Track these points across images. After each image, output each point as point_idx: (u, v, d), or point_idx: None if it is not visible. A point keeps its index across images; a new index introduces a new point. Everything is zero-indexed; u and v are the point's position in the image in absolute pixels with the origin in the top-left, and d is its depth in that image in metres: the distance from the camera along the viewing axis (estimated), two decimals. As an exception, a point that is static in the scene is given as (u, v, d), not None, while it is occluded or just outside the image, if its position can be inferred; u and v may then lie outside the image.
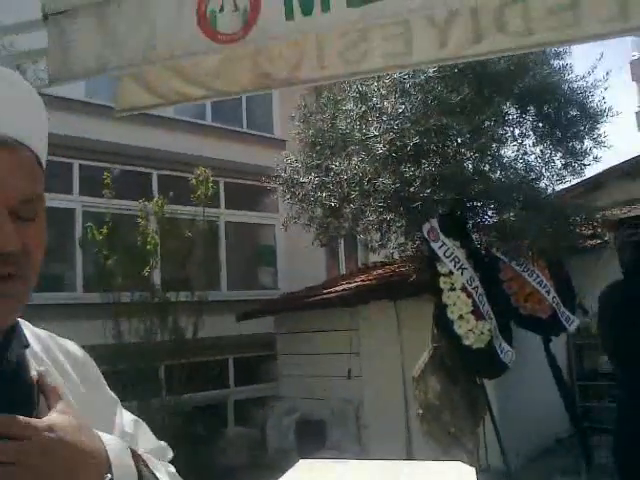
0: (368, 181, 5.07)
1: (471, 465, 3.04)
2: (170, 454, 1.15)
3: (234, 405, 9.81)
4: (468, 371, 5.32)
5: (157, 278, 7.75)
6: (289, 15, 2.09)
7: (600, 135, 5.68)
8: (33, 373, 0.86)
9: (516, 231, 4.94)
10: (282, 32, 2.14)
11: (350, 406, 8.15)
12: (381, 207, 4.97)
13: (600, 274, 7.04)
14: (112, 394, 1.10)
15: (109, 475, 0.81)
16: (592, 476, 6.03)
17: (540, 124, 5.69)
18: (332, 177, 5.31)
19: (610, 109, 5.65)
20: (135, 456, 0.90)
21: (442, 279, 5.17)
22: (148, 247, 6.91)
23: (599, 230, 6.12)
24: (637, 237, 3.89)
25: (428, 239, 5.14)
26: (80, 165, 8.32)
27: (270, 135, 11.08)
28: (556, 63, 5.52)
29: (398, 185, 4.79)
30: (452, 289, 5.16)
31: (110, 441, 0.86)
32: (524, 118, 5.68)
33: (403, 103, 4.62)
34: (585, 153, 5.71)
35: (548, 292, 5.94)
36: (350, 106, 5.20)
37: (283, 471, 2.61)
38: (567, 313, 6.07)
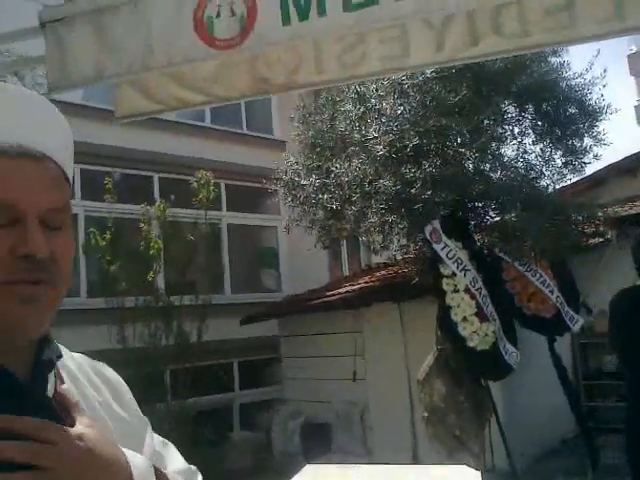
0: (369, 183, 5.07)
1: (477, 468, 3.04)
2: (199, 478, 1.15)
3: (239, 409, 9.81)
4: (473, 373, 5.31)
5: (161, 282, 7.76)
6: (286, 20, 2.10)
7: (600, 132, 5.67)
8: (62, 387, 0.90)
9: (518, 231, 4.94)
10: (279, 37, 2.15)
11: (355, 409, 8.14)
12: (382, 209, 4.96)
13: (603, 272, 7.05)
14: (142, 415, 1.12)
15: None
16: (598, 476, 6.01)
17: (539, 122, 5.68)
18: (333, 179, 5.31)
19: (609, 106, 5.65)
20: (159, 475, 0.92)
21: (445, 281, 5.17)
22: (151, 252, 6.91)
23: (601, 228, 6.11)
24: None
25: (430, 241, 5.13)
26: (81, 169, 8.34)
27: (270, 136, 11.06)
28: (554, 61, 5.52)
29: (399, 187, 4.79)
30: (455, 291, 5.16)
31: (134, 458, 0.87)
32: (523, 116, 5.68)
33: (402, 104, 4.63)
34: (585, 151, 5.70)
35: (552, 292, 5.93)
36: (349, 107, 5.21)
37: (289, 475, 2.61)
38: (571, 312, 6.05)
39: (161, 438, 1.14)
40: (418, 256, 5.77)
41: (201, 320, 7.23)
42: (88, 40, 2.09)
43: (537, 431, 6.94)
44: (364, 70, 2.56)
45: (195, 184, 7.52)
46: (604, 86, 5.60)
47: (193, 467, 1.15)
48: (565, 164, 5.76)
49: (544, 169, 5.72)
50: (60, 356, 0.94)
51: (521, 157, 5.67)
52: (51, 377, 0.90)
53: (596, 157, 5.79)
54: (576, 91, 5.61)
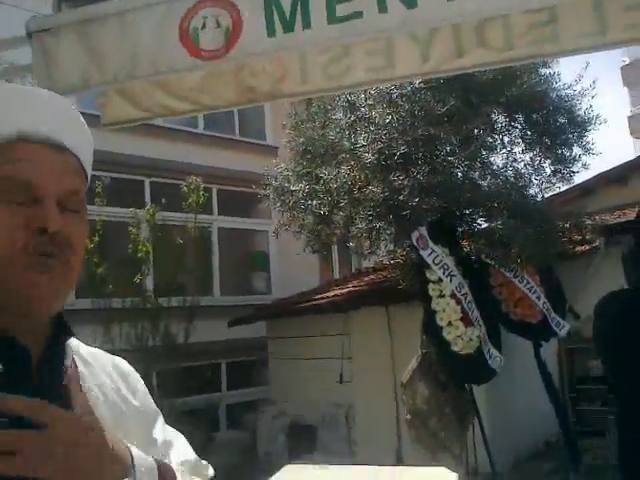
0: (358, 189, 5.10)
1: (458, 469, 3.08)
2: (211, 472, 1.14)
3: (226, 409, 9.83)
4: (456, 377, 5.35)
5: (150, 284, 7.76)
6: (271, 32, 2.12)
7: (589, 142, 5.74)
8: (69, 365, 0.95)
9: (504, 238, 4.98)
10: (264, 49, 2.16)
11: (341, 410, 8.17)
12: (370, 215, 5.00)
13: (591, 279, 7.10)
14: (155, 406, 1.15)
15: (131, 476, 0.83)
16: (579, 478, 6.06)
17: (529, 132, 5.74)
18: (322, 185, 5.34)
19: (598, 117, 5.71)
20: (163, 470, 0.91)
21: (431, 286, 5.21)
22: (139, 254, 6.92)
23: (588, 236, 6.16)
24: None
25: (417, 247, 5.17)
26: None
27: (263, 142, 11.12)
28: (544, 72, 5.58)
29: (387, 193, 4.83)
30: (441, 296, 5.20)
31: (137, 453, 0.88)
32: (513, 126, 5.73)
33: (390, 113, 4.66)
34: (574, 160, 5.77)
35: (538, 298, 5.97)
36: (340, 115, 5.25)
37: (272, 475, 2.66)
38: (557, 318, 6.10)
39: (173, 429, 1.15)
40: (405, 262, 5.80)
41: (188, 321, 7.25)
42: (75, 49, 2.10)
43: (521, 433, 6.99)
44: (349, 81, 2.58)
45: (185, 189, 7.53)
46: (593, 97, 5.67)
47: (204, 462, 1.15)
48: (554, 173, 5.83)
49: (533, 177, 5.79)
50: (72, 335, 0.99)
51: (510, 165, 5.73)
52: (64, 358, 0.94)
53: (585, 166, 5.86)
54: (566, 102, 5.68)
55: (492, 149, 5.59)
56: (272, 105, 9.91)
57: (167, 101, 2.50)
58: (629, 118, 23.60)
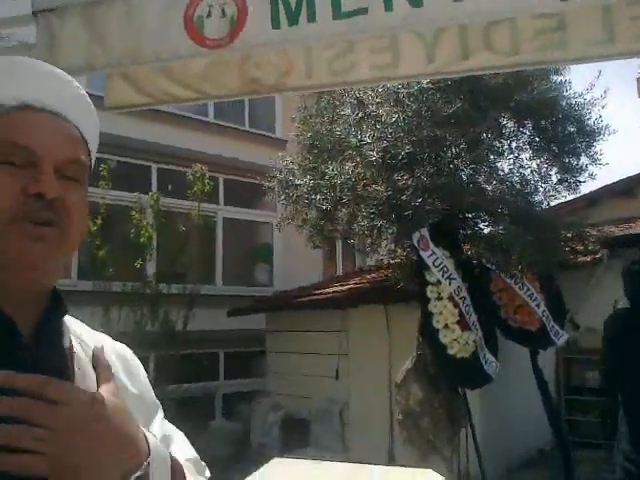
0: (362, 187, 5.10)
1: (448, 473, 3.08)
2: (207, 473, 1.12)
3: (222, 398, 9.89)
4: (451, 380, 5.35)
5: (151, 270, 7.79)
6: (275, 24, 2.13)
7: (597, 152, 5.71)
8: (67, 345, 0.92)
9: (504, 244, 4.96)
10: (268, 40, 2.17)
11: (335, 406, 8.19)
12: (373, 213, 4.99)
13: (593, 291, 7.09)
14: (155, 399, 1.12)
15: (145, 463, 0.82)
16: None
17: (537, 138, 5.70)
18: (327, 180, 5.34)
19: (607, 127, 5.68)
20: (174, 465, 0.91)
21: (429, 288, 5.20)
22: (142, 240, 6.95)
23: (590, 247, 6.14)
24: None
25: (418, 248, 5.16)
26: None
27: (272, 135, 11.14)
28: (555, 78, 5.54)
29: (390, 192, 4.82)
30: (439, 298, 5.19)
31: (154, 442, 0.87)
32: (521, 132, 5.70)
33: (397, 112, 4.65)
34: (581, 169, 5.73)
35: (538, 305, 5.95)
36: (348, 111, 5.24)
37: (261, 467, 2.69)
38: (556, 327, 6.08)
39: (173, 426, 1.13)
40: (405, 262, 5.80)
41: (188, 309, 7.27)
42: (80, 30, 2.12)
43: (514, 441, 6.99)
44: (354, 77, 2.59)
45: (191, 177, 7.55)
46: (603, 107, 5.63)
47: (203, 463, 1.13)
48: (560, 181, 5.79)
49: (539, 185, 5.75)
50: (67, 311, 0.97)
51: (517, 171, 5.69)
52: (63, 335, 0.92)
53: (591, 176, 5.82)
54: (576, 110, 5.64)
55: (499, 154, 5.57)
56: (283, 98, 9.93)
57: (170, 88, 2.51)
58: (644, 130, 23.45)
